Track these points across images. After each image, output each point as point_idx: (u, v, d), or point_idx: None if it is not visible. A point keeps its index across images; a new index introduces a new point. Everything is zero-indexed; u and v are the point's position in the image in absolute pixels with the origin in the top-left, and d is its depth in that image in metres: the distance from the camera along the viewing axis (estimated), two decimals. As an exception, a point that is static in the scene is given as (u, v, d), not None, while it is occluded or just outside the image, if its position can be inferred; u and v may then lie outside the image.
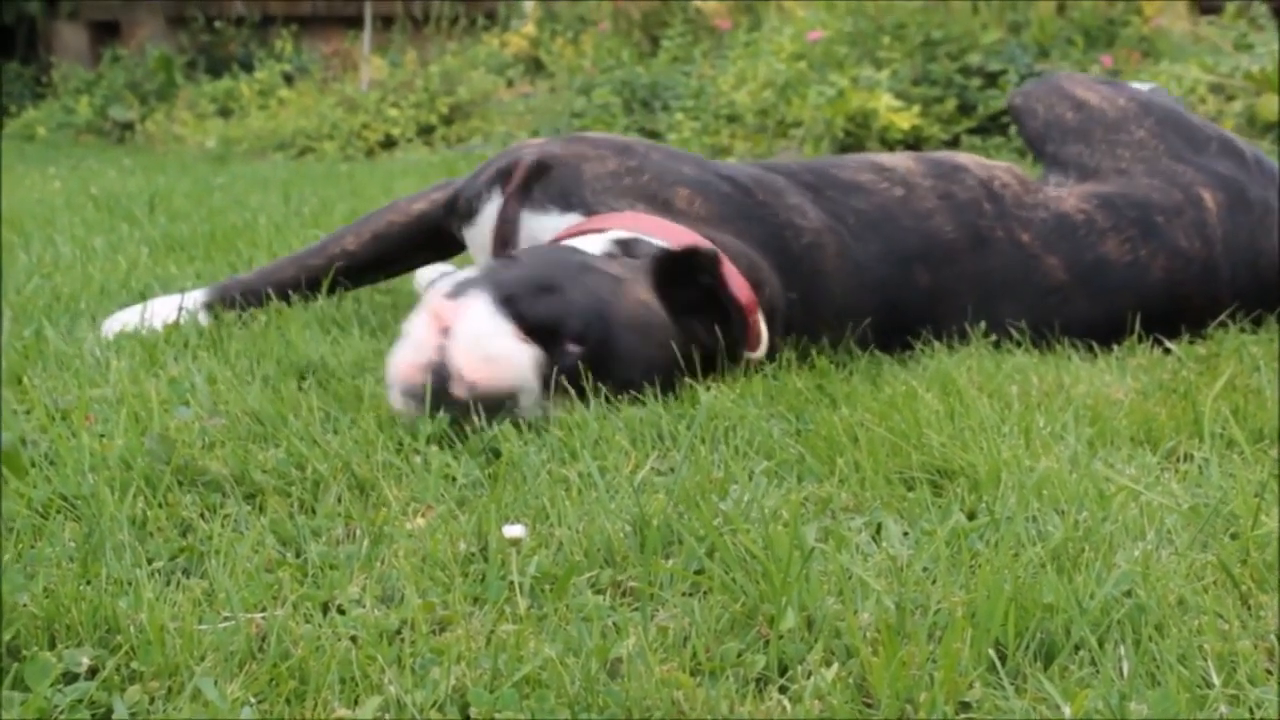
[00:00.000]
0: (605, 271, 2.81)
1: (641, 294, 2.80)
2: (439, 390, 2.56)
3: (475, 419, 2.56)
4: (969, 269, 3.32)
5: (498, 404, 2.59)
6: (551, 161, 3.29)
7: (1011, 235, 3.38)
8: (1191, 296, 3.49)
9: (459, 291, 2.72)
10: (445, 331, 2.63)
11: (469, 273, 2.82)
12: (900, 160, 3.52)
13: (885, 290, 3.26)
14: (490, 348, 2.61)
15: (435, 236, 3.57)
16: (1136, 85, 4.07)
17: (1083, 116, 3.84)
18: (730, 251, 3.01)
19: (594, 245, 2.98)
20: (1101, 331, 3.38)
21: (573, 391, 2.65)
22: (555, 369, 2.65)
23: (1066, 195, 3.53)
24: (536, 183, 3.27)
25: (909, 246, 3.30)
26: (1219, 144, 3.79)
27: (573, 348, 2.66)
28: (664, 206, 3.17)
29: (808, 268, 3.19)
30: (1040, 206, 3.46)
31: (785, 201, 3.26)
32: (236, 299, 3.58)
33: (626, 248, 2.98)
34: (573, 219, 3.18)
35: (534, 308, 2.68)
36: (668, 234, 3.01)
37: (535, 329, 2.66)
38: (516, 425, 2.59)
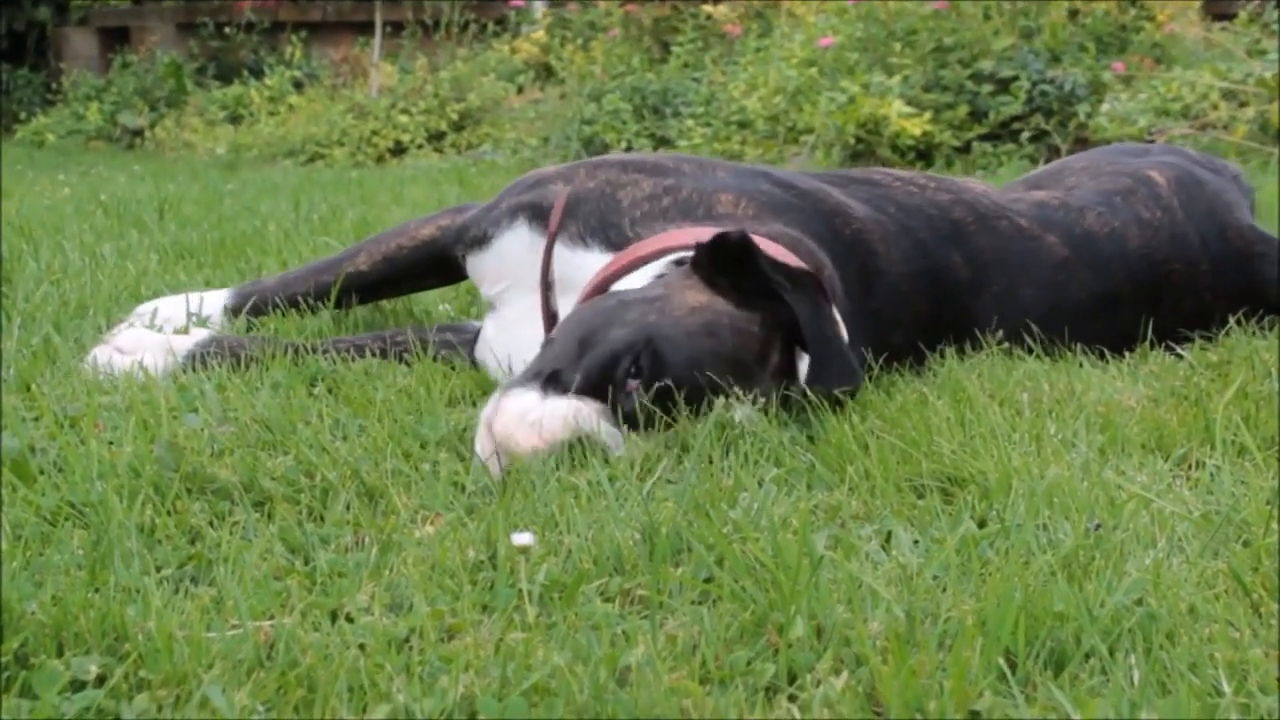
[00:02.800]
0: (644, 298, 2.73)
1: (691, 299, 2.72)
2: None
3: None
4: (993, 255, 3.39)
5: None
6: (585, 195, 3.23)
7: (1013, 222, 3.48)
8: (1170, 262, 3.61)
9: (501, 397, 2.60)
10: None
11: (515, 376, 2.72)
12: (895, 170, 3.62)
13: (933, 277, 3.30)
14: (529, 418, 2.50)
15: (440, 262, 3.54)
16: None
17: (1026, 177, 4.12)
18: (785, 240, 2.99)
19: (644, 277, 2.92)
20: (1105, 307, 3.47)
21: (643, 422, 2.54)
22: (623, 410, 2.55)
23: (1035, 195, 3.70)
24: (571, 217, 3.20)
25: (943, 235, 3.34)
26: (1158, 150, 4.08)
27: (632, 383, 2.56)
28: (708, 216, 3.13)
29: (861, 250, 3.20)
30: (1018, 200, 3.61)
31: (829, 193, 3.28)
32: (257, 305, 3.64)
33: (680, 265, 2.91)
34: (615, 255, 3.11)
35: (577, 371, 2.58)
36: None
37: (589, 389, 2.56)
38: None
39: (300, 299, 3.60)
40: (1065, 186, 3.80)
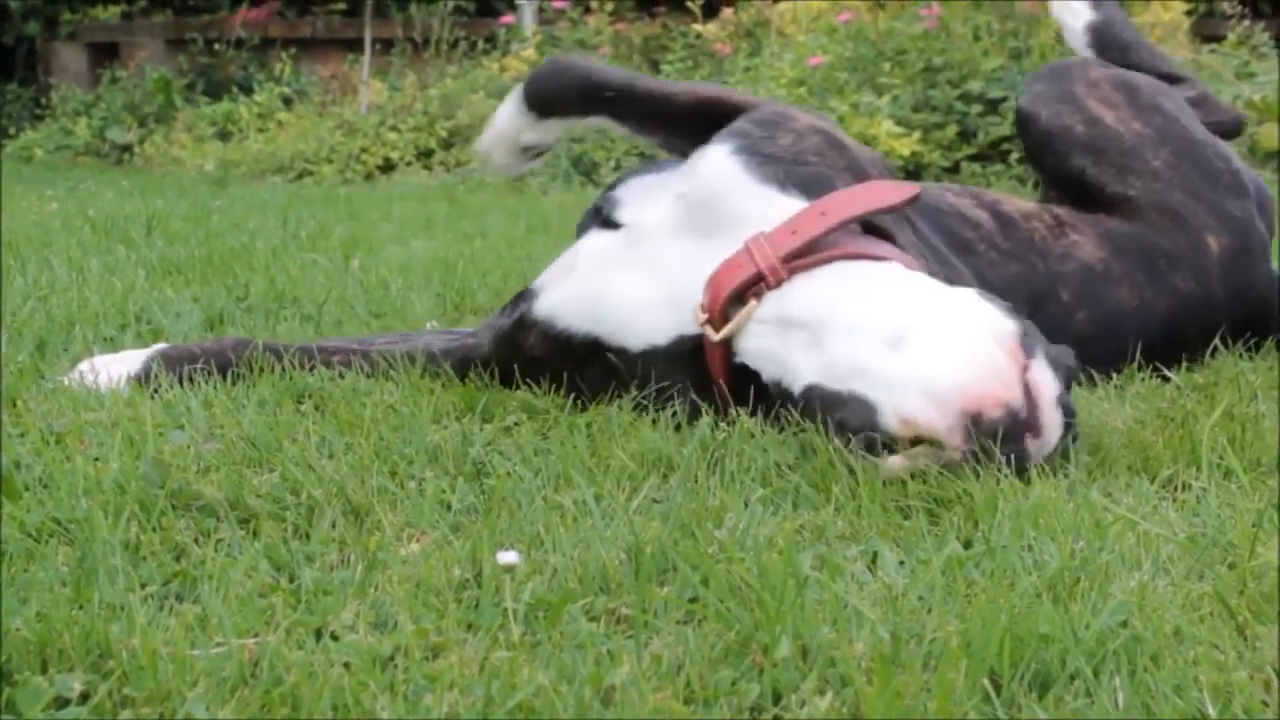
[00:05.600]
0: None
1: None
2: (1009, 433, 2.44)
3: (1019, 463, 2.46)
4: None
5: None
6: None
7: (1056, 294, 3.32)
8: (1189, 328, 3.48)
9: (1030, 349, 2.54)
10: (1022, 381, 2.49)
11: (1024, 323, 2.63)
12: (982, 215, 3.41)
13: None
14: (1056, 414, 2.51)
15: None
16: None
17: (1094, 133, 3.66)
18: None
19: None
20: (1108, 365, 3.34)
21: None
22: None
23: (1084, 242, 3.45)
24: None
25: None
26: (1229, 178, 3.70)
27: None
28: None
29: None
30: (1068, 257, 3.40)
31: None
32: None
33: None
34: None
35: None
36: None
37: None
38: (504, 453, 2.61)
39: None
40: (1126, 186, 3.55)
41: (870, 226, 2.91)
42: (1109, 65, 3.88)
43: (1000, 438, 2.42)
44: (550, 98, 3.22)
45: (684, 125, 3.17)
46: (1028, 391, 2.47)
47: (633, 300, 2.96)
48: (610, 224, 3.11)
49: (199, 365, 3.17)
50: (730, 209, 2.92)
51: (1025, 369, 2.49)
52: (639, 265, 2.99)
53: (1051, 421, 2.49)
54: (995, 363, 2.48)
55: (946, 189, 3.40)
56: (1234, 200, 3.66)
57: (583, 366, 3.02)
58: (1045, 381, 2.50)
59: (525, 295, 3.17)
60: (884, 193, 2.90)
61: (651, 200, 3.09)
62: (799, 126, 3.07)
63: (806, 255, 2.78)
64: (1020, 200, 3.57)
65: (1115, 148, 3.62)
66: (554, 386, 3.07)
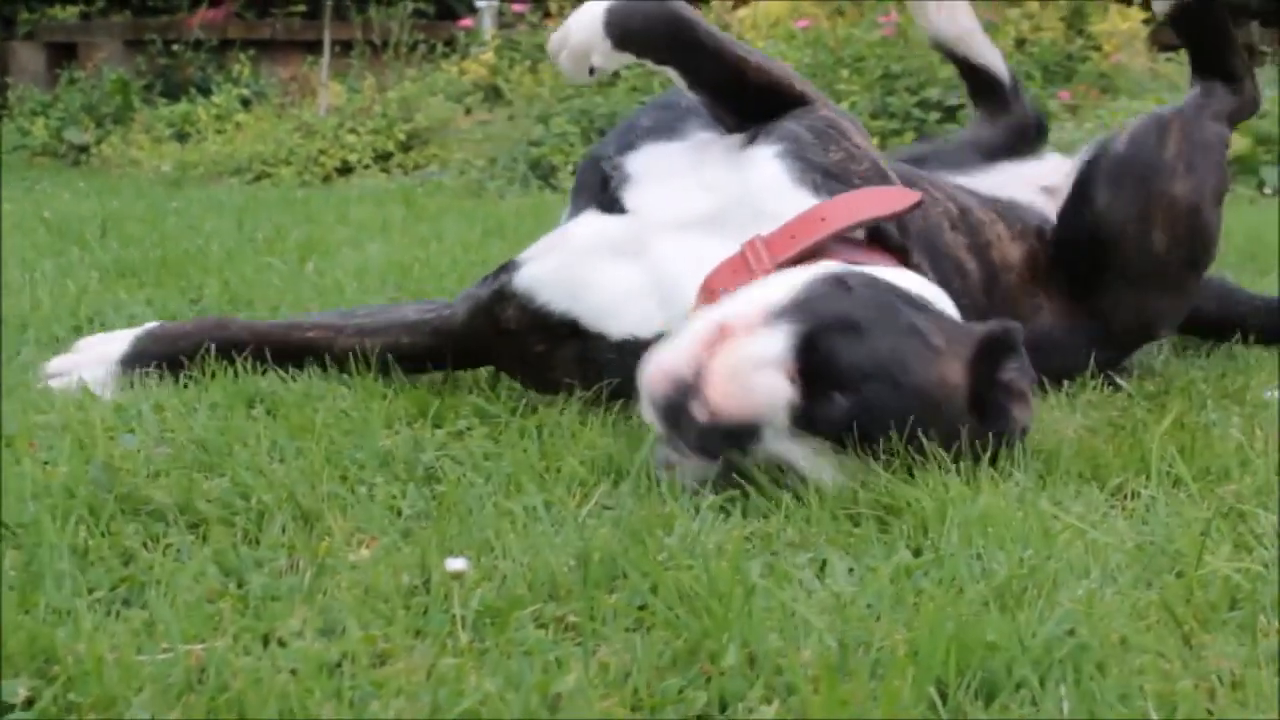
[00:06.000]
0: (928, 340, 2.57)
1: (953, 377, 2.58)
2: (678, 406, 2.40)
3: (712, 446, 2.40)
4: None
5: (737, 434, 2.39)
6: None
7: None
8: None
9: (772, 318, 2.46)
10: (717, 346, 2.42)
11: (795, 293, 2.53)
12: (971, 264, 3.28)
13: None
14: (748, 378, 2.38)
15: None
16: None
17: (1137, 257, 3.40)
18: None
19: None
20: None
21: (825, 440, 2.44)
22: (814, 413, 2.42)
23: (1049, 309, 3.38)
24: None
25: None
26: (1205, 263, 3.56)
27: (840, 399, 2.43)
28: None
29: None
30: (1028, 320, 3.22)
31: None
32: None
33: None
34: None
35: (825, 350, 2.43)
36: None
37: (816, 370, 2.42)
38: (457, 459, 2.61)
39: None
40: (1134, 291, 3.40)
41: (883, 240, 2.89)
42: (1198, 167, 3.45)
43: (669, 416, 2.42)
44: (635, 35, 3.03)
45: (743, 100, 3.08)
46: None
47: (619, 288, 2.92)
48: (613, 202, 3.04)
49: (188, 345, 3.17)
50: (760, 209, 2.88)
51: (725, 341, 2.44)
52: (636, 253, 2.93)
53: (717, 386, 2.38)
54: (677, 345, 2.47)
55: (946, 213, 3.26)
56: (1196, 283, 3.58)
57: (558, 346, 3.00)
58: (740, 352, 2.41)
59: (508, 266, 3.12)
60: (886, 199, 2.87)
61: (667, 183, 3.02)
62: (853, 148, 3.01)
63: (801, 262, 2.73)
64: (1009, 242, 3.41)
65: (1148, 267, 3.42)
66: (522, 367, 3.08)
